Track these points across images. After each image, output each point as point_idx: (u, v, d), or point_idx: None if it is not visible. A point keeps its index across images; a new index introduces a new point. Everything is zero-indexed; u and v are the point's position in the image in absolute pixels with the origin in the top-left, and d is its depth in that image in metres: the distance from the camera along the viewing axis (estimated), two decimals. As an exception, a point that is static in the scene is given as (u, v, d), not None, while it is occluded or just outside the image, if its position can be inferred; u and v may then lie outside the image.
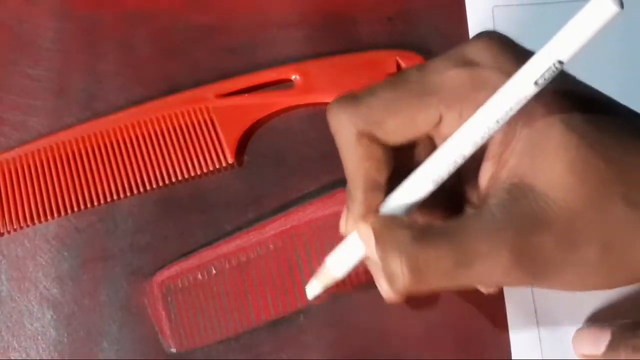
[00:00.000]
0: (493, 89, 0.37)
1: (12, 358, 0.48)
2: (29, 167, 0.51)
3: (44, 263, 0.49)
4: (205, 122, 0.52)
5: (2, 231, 0.50)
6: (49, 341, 0.48)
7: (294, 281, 0.48)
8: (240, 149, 0.52)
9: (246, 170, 0.51)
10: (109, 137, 0.51)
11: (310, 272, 0.48)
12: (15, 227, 0.50)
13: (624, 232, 0.37)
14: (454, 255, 0.37)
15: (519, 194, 0.37)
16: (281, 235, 0.49)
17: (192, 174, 0.51)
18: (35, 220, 0.50)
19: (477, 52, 0.39)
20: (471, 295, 0.47)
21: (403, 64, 0.52)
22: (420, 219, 0.42)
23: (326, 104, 0.51)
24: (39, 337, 0.48)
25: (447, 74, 0.39)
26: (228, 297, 0.48)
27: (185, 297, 0.48)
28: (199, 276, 0.48)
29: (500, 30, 0.41)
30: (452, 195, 0.43)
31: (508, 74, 0.37)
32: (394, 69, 0.52)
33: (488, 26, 0.54)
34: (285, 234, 0.49)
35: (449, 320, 0.48)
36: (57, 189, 0.50)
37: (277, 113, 0.53)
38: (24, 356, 0.48)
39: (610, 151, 0.37)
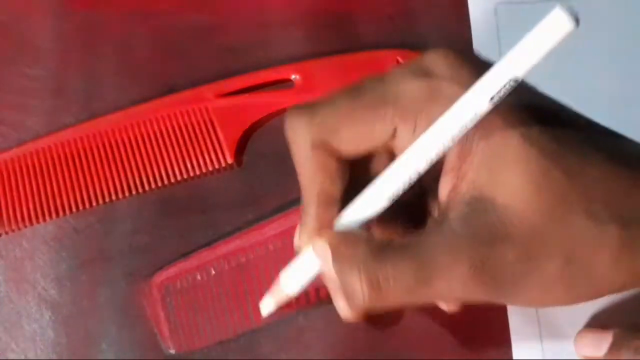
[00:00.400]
0: (448, 101, 0.36)
1: (10, 359, 0.48)
2: (27, 167, 0.51)
3: (42, 264, 0.49)
4: (204, 122, 0.52)
5: (0, 232, 0.50)
6: (47, 342, 0.48)
7: (294, 282, 0.48)
8: (240, 149, 0.51)
9: (245, 170, 0.51)
10: (108, 137, 0.51)
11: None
12: (13, 227, 0.50)
13: (585, 245, 0.37)
14: (413, 270, 0.37)
15: (479, 207, 0.37)
16: (280, 236, 0.49)
17: (192, 174, 0.51)
18: (34, 221, 0.50)
19: (435, 63, 0.39)
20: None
21: (404, 64, 0.52)
22: (380, 233, 0.42)
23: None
24: (37, 338, 0.48)
25: (404, 85, 0.39)
26: (227, 298, 0.48)
27: (185, 298, 0.48)
28: (198, 277, 0.48)
29: (504, 29, 0.41)
30: (413, 207, 0.43)
31: (465, 86, 0.36)
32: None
33: (491, 24, 0.53)
34: (284, 234, 0.49)
35: (449, 320, 0.47)
36: (56, 190, 0.50)
37: (276, 113, 0.52)
38: (22, 357, 0.48)
39: (571, 164, 0.37)
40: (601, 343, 0.44)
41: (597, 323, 0.46)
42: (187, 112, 0.52)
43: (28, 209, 0.50)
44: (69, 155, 0.51)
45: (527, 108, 0.37)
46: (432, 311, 0.47)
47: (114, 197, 0.50)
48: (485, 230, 0.36)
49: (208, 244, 0.49)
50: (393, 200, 0.39)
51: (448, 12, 0.54)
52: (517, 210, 0.36)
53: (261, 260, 0.49)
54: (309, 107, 0.40)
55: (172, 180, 0.51)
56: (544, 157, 0.36)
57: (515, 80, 0.34)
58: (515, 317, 0.47)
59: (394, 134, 0.39)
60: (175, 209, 0.50)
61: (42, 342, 0.48)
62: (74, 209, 0.50)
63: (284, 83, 0.53)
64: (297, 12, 0.55)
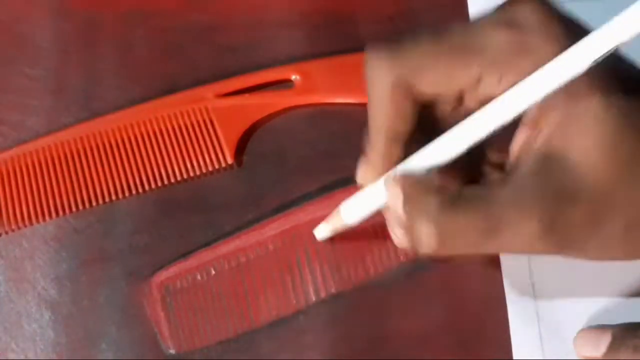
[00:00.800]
0: (537, 55, 0.37)
1: (10, 359, 0.48)
2: (27, 167, 0.51)
3: (42, 264, 0.49)
4: (204, 122, 0.52)
5: (0, 232, 0.50)
6: (47, 342, 0.48)
7: (294, 282, 0.48)
8: (240, 150, 0.51)
9: (245, 170, 0.51)
10: (108, 137, 0.51)
11: (310, 273, 0.48)
12: (13, 227, 0.50)
13: None
14: (482, 224, 0.37)
15: (551, 163, 0.37)
16: (281, 236, 0.49)
17: (191, 174, 0.51)
18: (34, 221, 0.50)
19: (524, 14, 0.38)
20: (472, 295, 0.48)
21: (403, 64, 0.52)
22: (438, 178, 0.41)
23: (326, 104, 0.52)
24: (37, 338, 0.48)
25: (492, 35, 0.38)
26: (227, 298, 0.48)
27: (185, 298, 0.48)
28: (198, 277, 0.48)
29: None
30: (474, 158, 0.43)
31: (554, 41, 0.37)
32: (394, 69, 0.52)
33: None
34: (284, 234, 0.49)
35: (449, 320, 0.47)
36: (56, 189, 0.50)
37: (276, 113, 0.52)
38: (22, 357, 0.48)
39: None
40: (600, 342, 0.44)
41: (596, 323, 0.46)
42: (187, 112, 0.52)
43: (28, 208, 0.50)
44: (68, 155, 0.51)
45: (611, 70, 0.37)
46: (432, 311, 0.48)
47: (113, 197, 0.50)
48: (556, 187, 0.37)
49: (208, 244, 0.49)
50: (471, 148, 0.39)
51: (448, 12, 0.54)
52: (588, 170, 0.36)
53: (261, 260, 0.49)
54: (392, 47, 0.40)
55: (172, 180, 0.50)
56: (622, 119, 0.36)
57: (620, 46, 0.34)
58: (515, 317, 0.47)
59: (477, 82, 0.39)
60: (176, 209, 0.50)
61: (42, 341, 0.48)
62: (73, 209, 0.50)
63: (284, 83, 0.53)
64: (297, 12, 0.55)
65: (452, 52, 0.39)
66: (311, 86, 0.53)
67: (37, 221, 0.50)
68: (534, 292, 0.47)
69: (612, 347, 0.43)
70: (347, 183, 0.49)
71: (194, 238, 0.49)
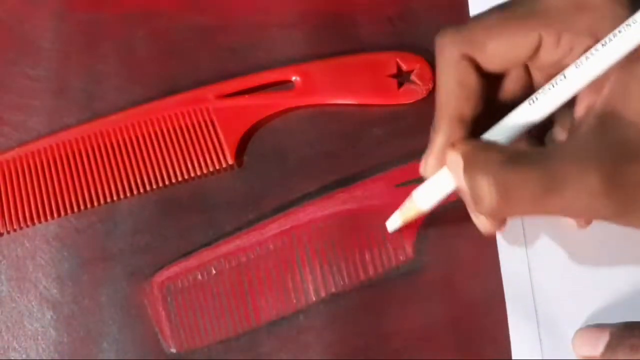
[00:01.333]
0: (594, 13, 0.37)
1: (12, 358, 0.48)
2: (29, 167, 0.51)
3: (43, 263, 0.49)
4: (205, 123, 0.52)
5: (2, 231, 0.50)
6: (49, 341, 0.48)
7: (294, 281, 0.48)
8: (240, 150, 0.52)
9: (246, 170, 0.51)
10: (109, 137, 0.51)
11: (310, 272, 0.48)
12: (14, 227, 0.50)
13: None
14: (543, 179, 0.37)
15: (611, 122, 0.37)
16: (281, 236, 0.49)
17: (192, 174, 0.51)
18: (35, 221, 0.50)
19: None
20: (471, 295, 0.48)
21: (404, 66, 0.52)
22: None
23: (326, 105, 0.52)
24: (39, 338, 0.48)
25: None
26: (228, 298, 0.48)
27: (185, 297, 0.48)
28: (199, 276, 0.48)
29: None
30: (540, 132, 0.44)
31: (619, 6, 0.37)
32: (394, 70, 0.52)
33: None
34: (285, 234, 0.49)
35: (448, 320, 0.48)
36: (57, 190, 0.50)
37: (277, 114, 0.52)
38: (24, 356, 0.48)
39: None
40: (598, 342, 0.44)
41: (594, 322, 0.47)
42: (188, 113, 0.52)
43: (30, 208, 0.50)
44: (70, 156, 0.51)
45: None
46: (432, 311, 0.48)
47: (114, 198, 0.50)
48: (616, 146, 0.37)
49: (209, 244, 0.49)
50: (547, 115, 0.39)
51: (448, 13, 0.54)
52: None
53: (261, 260, 0.49)
54: (460, 24, 0.41)
55: (173, 180, 0.51)
56: None
57: None
58: (515, 317, 0.47)
59: (538, 48, 0.40)
60: (177, 209, 0.50)
61: (43, 341, 0.48)
62: (75, 209, 0.50)
63: (285, 84, 0.53)
64: (298, 12, 0.55)
65: (513, 20, 0.40)
66: (311, 87, 0.53)
67: (39, 221, 0.50)
68: (532, 291, 0.48)
69: (610, 346, 0.43)
70: (347, 183, 0.50)
71: (195, 238, 0.50)
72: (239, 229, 0.50)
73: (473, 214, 0.44)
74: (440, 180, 0.42)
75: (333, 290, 0.48)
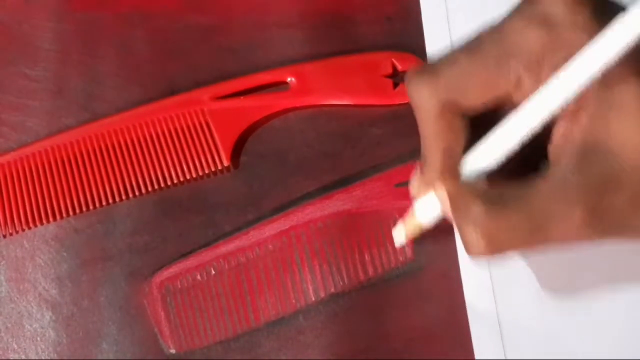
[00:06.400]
0: (571, 47, 0.37)
1: (11, 359, 0.48)
2: (27, 170, 0.51)
3: (43, 264, 0.49)
4: (201, 125, 0.52)
5: (2, 233, 0.50)
6: (48, 342, 0.48)
7: (293, 281, 0.48)
8: (236, 152, 0.52)
9: (245, 171, 0.51)
10: (105, 140, 0.51)
11: (310, 272, 0.48)
12: (14, 230, 0.50)
13: None
14: (526, 223, 0.37)
15: (591, 154, 0.37)
16: (280, 236, 0.49)
17: (188, 177, 0.51)
18: (32, 224, 0.50)
19: (551, 7, 0.38)
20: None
21: (399, 66, 0.52)
22: (487, 181, 0.41)
23: (322, 106, 0.52)
24: (38, 338, 0.48)
25: (525, 35, 0.39)
26: (227, 298, 0.48)
27: (185, 297, 0.48)
28: (198, 277, 0.48)
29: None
30: (520, 159, 0.42)
31: (586, 30, 0.37)
32: (389, 70, 0.52)
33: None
34: (284, 234, 0.49)
35: (448, 320, 0.48)
36: (55, 193, 0.50)
37: (272, 115, 0.52)
38: (22, 357, 0.48)
39: None
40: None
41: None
42: (184, 114, 0.52)
43: (30, 211, 0.50)
44: (66, 159, 0.51)
45: None
46: (432, 311, 0.48)
47: (111, 201, 0.50)
48: (598, 177, 0.37)
49: (208, 244, 0.49)
50: (520, 142, 0.39)
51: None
52: (629, 158, 0.36)
53: (261, 260, 0.49)
54: (431, 69, 0.40)
55: (169, 183, 0.50)
56: None
57: None
58: (476, 322, 0.48)
59: (517, 85, 0.39)
60: (176, 209, 0.50)
61: (42, 341, 0.48)
62: (71, 213, 0.50)
63: (280, 85, 0.53)
64: (296, 12, 0.55)
65: (488, 61, 0.39)
66: (306, 88, 0.53)
67: (38, 224, 0.50)
68: (494, 299, 0.48)
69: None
70: (346, 183, 0.50)
71: (194, 238, 0.50)
72: (238, 229, 0.50)
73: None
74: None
75: (332, 290, 0.48)
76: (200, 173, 0.51)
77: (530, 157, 0.43)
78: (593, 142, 0.37)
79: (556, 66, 0.37)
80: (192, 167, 0.51)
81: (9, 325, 0.48)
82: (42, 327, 0.48)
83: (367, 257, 0.48)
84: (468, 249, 0.39)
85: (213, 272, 0.49)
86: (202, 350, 0.48)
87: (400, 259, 0.49)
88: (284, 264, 0.49)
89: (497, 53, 0.39)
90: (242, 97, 0.53)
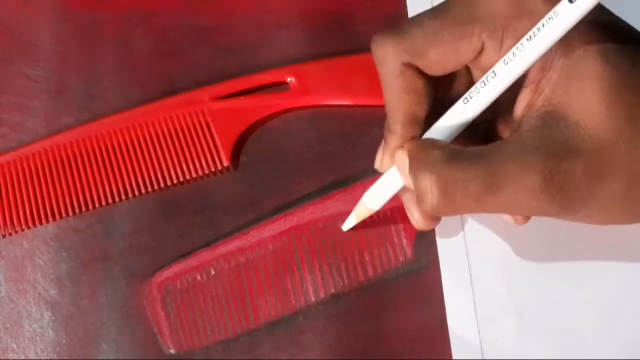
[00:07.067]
0: (534, 15, 0.38)
1: (11, 359, 0.47)
2: (26, 170, 0.51)
3: (42, 264, 0.49)
4: (200, 125, 0.52)
5: (1, 233, 0.50)
6: (48, 342, 0.48)
7: (293, 282, 0.48)
8: (236, 152, 0.52)
9: (245, 171, 0.51)
10: (104, 140, 0.51)
11: (310, 273, 0.48)
12: (13, 230, 0.50)
13: None
14: (483, 177, 0.37)
15: (552, 121, 0.37)
16: (280, 236, 0.49)
17: (188, 177, 0.51)
18: (32, 224, 0.50)
19: None
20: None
21: (399, 66, 0.52)
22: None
23: (322, 106, 0.52)
24: (38, 339, 0.48)
25: (491, 1, 0.39)
26: (227, 298, 0.48)
27: (185, 298, 0.48)
28: (198, 277, 0.48)
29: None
30: (486, 132, 0.44)
31: (552, 3, 0.37)
32: (389, 70, 0.52)
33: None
34: (284, 235, 0.49)
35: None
36: (54, 193, 0.50)
37: (272, 116, 0.52)
38: (22, 357, 0.48)
39: None
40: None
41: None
42: (184, 114, 0.52)
43: (30, 211, 0.50)
44: (66, 159, 0.51)
45: (604, 27, 0.38)
46: (432, 311, 0.48)
47: (110, 201, 0.50)
48: (556, 143, 0.37)
49: (208, 244, 0.49)
50: (480, 112, 0.40)
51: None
52: (587, 127, 0.37)
53: (261, 260, 0.49)
54: (396, 30, 0.41)
55: (169, 183, 0.50)
56: (619, 76, 0.37)
57: None
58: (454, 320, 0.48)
59: (480, 51, 0.40)
60: (175, 209, 0.50)
61: (42, 342, 0.48)
62: (70, 213, 0.50)
63: (280, 85, 0.53)
64: (297, 12, 0.55)
65: (452, 25, 0.40)
66: (307, 88, 0.53)
67: (38, 224, 0.50)
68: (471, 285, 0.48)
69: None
70: (345, 183, 0.50)
71: (194, 238, 0.50)
72: (238, 229, 0.50)
73: (408, 211, 0.45)
74: (387, 180, 0.44)
75: (332, 291, 0.48)
76: (200, 173, 0.51)
77: (493, 135, 0.43)
78: (554, 111, 0.38)
79: (519, 36, 0.38)
80: (192, 167, 0.51)
81: (9, 325, 0.48)
82: (41, 328, 0.48)
83: (367, 258, 0.49)
84: (421, 199, 0.39)
85: (213, 272, 0.49)
86: (202, 350, 0.48)
87: (400, 259, 0.49)
88: (284, 264, 0.49)
89: (462, 18, 0.40)
90: (242, 97, 0.53)
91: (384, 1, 0.55)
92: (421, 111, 0.41)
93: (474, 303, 0.48)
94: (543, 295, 0.48)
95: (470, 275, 0.48)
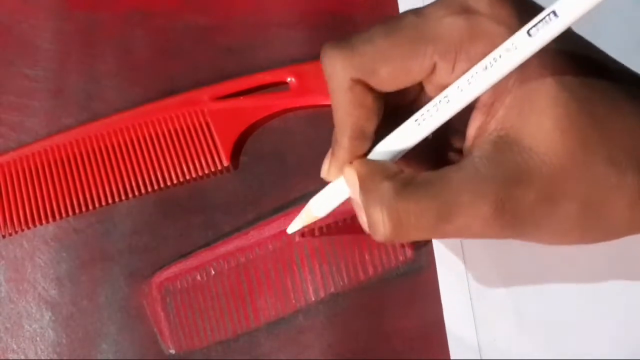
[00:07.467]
0: (489, 39, 0.37)
1: (11, 359, 0.47)
2: (26, 170, 0.51)
3: (42, 264, 0.49)
4: (200, 125, 0.52)
5: (1, 233, 0.50)
6: (48, 342, 0.48)
7: (293, 282, 0.48)
8: (236, 152, 0.52)
9: (245, 171, 0.51)
10: (104, 140, 0.51)
11: (310, 272, 0.48)
12: (13, 230, 0.50)
13: (603, 190, 0.37)
14: (436, 209, 0.37)
15: (504, 146, 0.37)
16: (280, 236, 0.49)
17: (188, 177, 0.51)
18: (32, 224, 0.50)
19: (476, 0, 0.38)
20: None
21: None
22: (406, 169, 0.41)
23: (322, 106, 0.52)
24: (38, 339, 0.48)
25: (444, 22, 0.38)
26: (227, 298, 0.48)
27: (184, 298, 0.48)
28: (198, 277, 0.48)
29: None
30: (438, 145, 0.43)
31: (505, 24, 0.37)
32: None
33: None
34: (284, 234, 0.49)
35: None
36: (54, 193, 0.50)
37: (272, 116, 0.52)
38: (22, 357, 0.48)
39: (598, 111, 0.37)
40: None
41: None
42: (184, 114, 0.52)
43: (30, 211, 0.50)
44: (66, 159, 0.51)
45: (567, 55, 0.38)
46: (432, 311, 0.48)
47: (111, 200, 0.50)
48: (509, 170, 0.37)
49: (208, 244, 0.49)
50: (428, 134, 0.39)
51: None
52: (541, 152, 0.37)
53: (261, 260, 0.49)
54: (347, 44, 0.40)
55: (169, 183, 0.51)
56: (573, 102, 0.36)
57: (555, 14, 0.35)
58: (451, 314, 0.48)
59: (432, 71, 0.39)
60: (175, 209, 0.50)
61: (42, 342, 0.48)
62: (70, 213, 0.50)
63: (280, 86, 0.53)
64: (297, 12, 0.55)
65: (404, 45, 0.39)
66: (306, 88, 0.53)
67: (38, 224, 0.50)
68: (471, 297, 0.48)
69: None
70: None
71: (194, 238, 0.50)
72: (238, 229, 0.50)
73: (358, 216, 0.42)
74: (334, 190, 0.43)
75: (332, 290, 0.48)
76: (200, 173, 0.51)
77: (446, 149, 0.43)
78: (507, 135, 0.37)
79: (472, 58, 0.38)
80: (192, 167, 0.51)
81: (9, 325, 0.48)
82: (41, 328, 0.48)
83: (367, 257, 0.48)
84: (374, 231, 0.39)
85: (213, 272, 0.49)
86: (201, 350, 0.48)
87: (400, 259, 0.49)
88: (284, 264, 0.49)
89: (414, 37, 0.39)
90: (242, 97, 0.53)
91: (384, 1, 0.55)
92: (370, 126, 0.41)
93: (472, 303, 0.48)
94: (541, 295, 0.48)
95: (467, 275, 0.48)
